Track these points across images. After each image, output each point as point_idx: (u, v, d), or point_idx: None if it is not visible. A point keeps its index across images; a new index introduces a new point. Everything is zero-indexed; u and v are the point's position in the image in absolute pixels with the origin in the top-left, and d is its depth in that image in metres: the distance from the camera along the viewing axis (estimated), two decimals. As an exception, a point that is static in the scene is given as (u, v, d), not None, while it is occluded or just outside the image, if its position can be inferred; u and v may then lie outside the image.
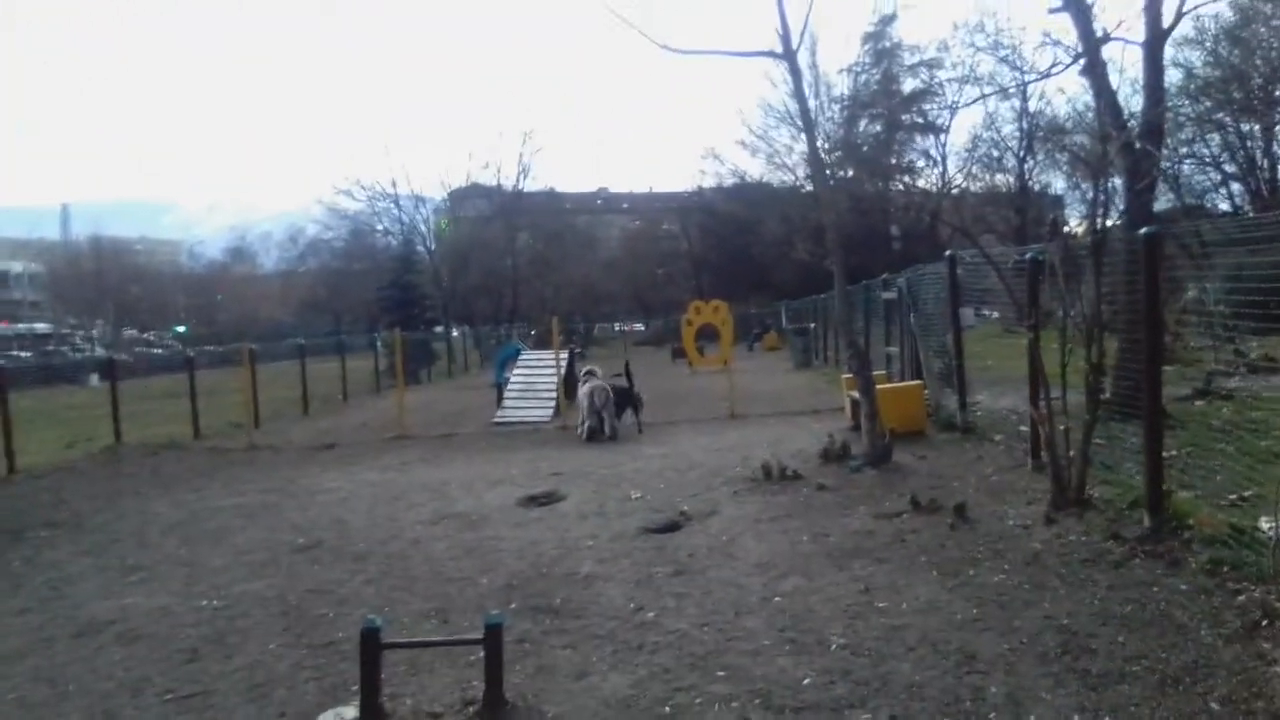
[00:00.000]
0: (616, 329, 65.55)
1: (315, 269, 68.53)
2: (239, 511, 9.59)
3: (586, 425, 13.00)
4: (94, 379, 50.46)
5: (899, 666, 4.26)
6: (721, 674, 4.36)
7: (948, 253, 9.97)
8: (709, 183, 60.55)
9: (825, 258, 9.57)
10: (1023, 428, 9.87)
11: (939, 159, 54.25)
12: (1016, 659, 4.22)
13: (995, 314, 23.91)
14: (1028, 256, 7.71)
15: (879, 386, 10.71)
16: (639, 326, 64.16)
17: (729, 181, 58.55)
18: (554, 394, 15.53)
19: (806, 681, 4.18)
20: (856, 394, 11.60)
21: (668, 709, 4.05)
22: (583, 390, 13.24)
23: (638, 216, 76.13)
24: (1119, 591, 4.96)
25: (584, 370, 13.73)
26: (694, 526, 7.24)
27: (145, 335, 73.94)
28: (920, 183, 55.68)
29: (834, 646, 4.55)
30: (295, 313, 69.69)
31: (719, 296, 27.67)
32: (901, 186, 55.91)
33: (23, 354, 57.79)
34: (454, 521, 8.30)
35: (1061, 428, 6.87)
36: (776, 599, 5.34)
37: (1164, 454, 6.05)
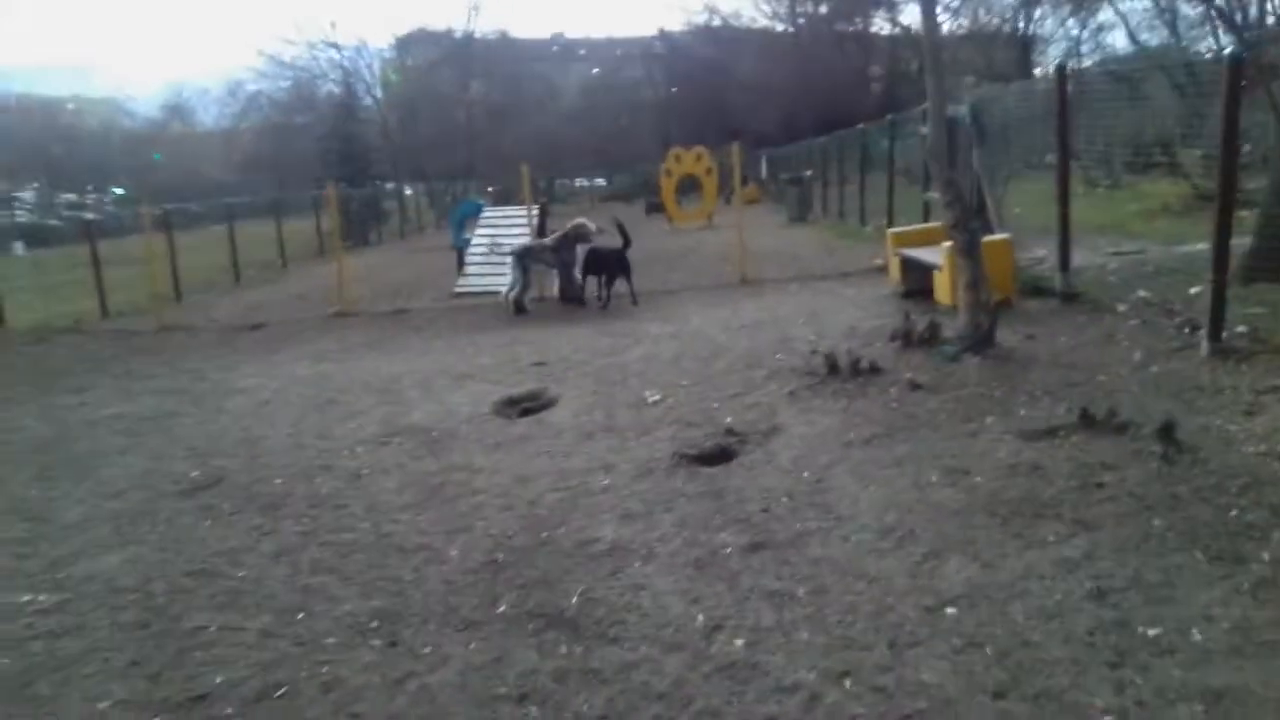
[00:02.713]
0: (578, 184, 62.05)
1: (257, 125, 63.75)
2: (124, 425, 7.28)
3: (511, 294, 11.12)
4: (18, 247, 46.78)
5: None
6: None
7: (1058, 62, 7.56)
8: (676, 24, 56.46)
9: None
10: (1142, 292, 7.74)
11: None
12: None
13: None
14: (1228, 52, 5.34)
15: (946, 244, 8.47)
16: (600, 181, 60.67)
17: (699, 20, 54.53)
18: (525, 257, 13.07)
19: None
20: (908, 252, 9.37)
21: None
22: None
23: (598, 63, 71.49)
24: None
25: (572, 224, 11.32)
26: (753, 452, 5.05)
27: (83, 198, 69.27)
28: (903, 19, 52.13)
29: (1125, 746, 2.43)
30: (238, 171, 65.30)
31: (690, 145, 24.90)
32: (886, 25, 52.33)
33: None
34: (409, 440, 6.06)
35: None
36: (949, 611, 3.19)
37: None
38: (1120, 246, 10.72)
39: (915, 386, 5.76)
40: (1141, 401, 5.06)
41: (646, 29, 64.82)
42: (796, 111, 46.41)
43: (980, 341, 6.28)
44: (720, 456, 5.01)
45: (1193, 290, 7.62)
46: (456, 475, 5.27)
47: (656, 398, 6.37)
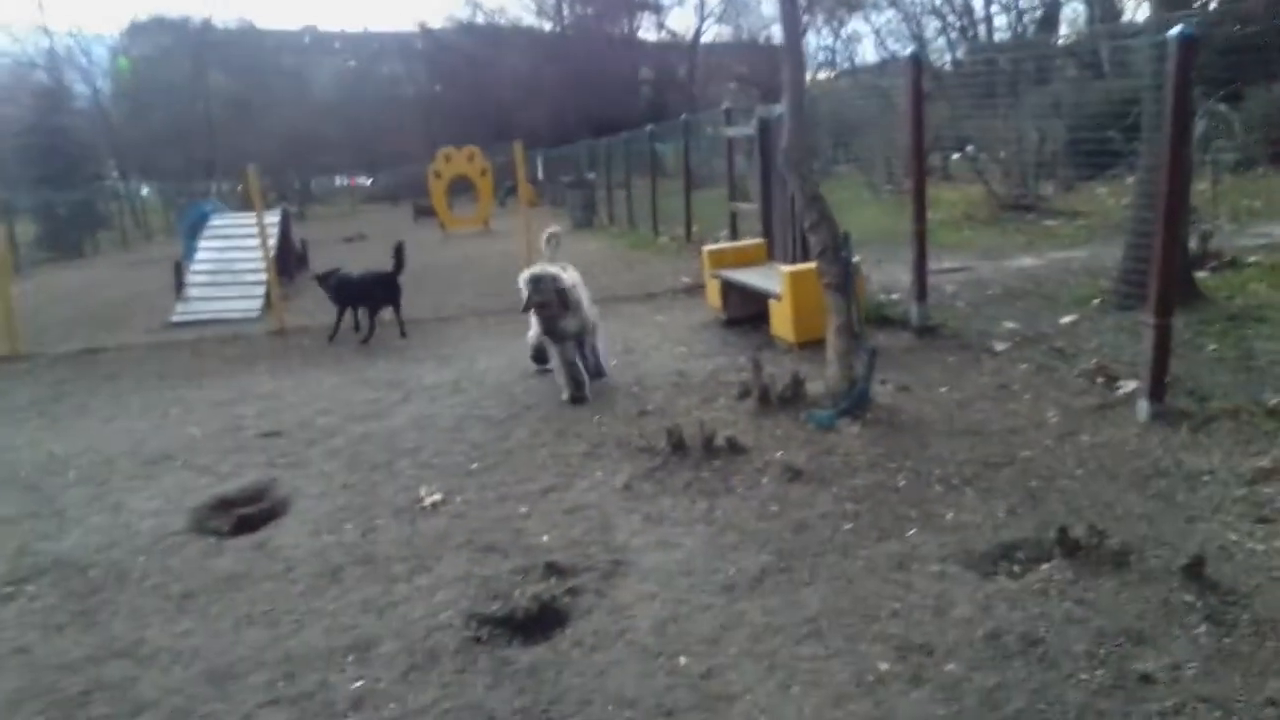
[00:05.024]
0: (338, 183, 58.07)
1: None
2: None
3: (569, 382, 6.10)
4: None
5: None
6: None
7: (910, 51, 6.35)
8: (437, 20, 54.04)
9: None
10: (1009, 324, 6.68)
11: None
12: None
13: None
14: (1176, 32, 4.14)
15: (784, 267, 7.13)
16: (363, 180, 57.11)
17: (461, 15, 52.32)
18: (262, 277, 10.67)
19: None
20: (733, 274, 8.00)
21: None
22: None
23: (354, 57, 67.24)
24: None
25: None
26: (592, 611, 3.31)
27: None
28: (669, 22, 52.45)
29: None
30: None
31: (457, 144, 22.87)
32: (652, 28, 52.28)
33: None
34: (51, 589, 3.90)
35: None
36: None
37: None
38: (940, 262, 9.86)
39: (794, 474, 4.24)
40: (1103, 497, 3.77)
41: (406, 24, 61.27)
42: (566, 112, 45.18)
43: (857, 400, 4.88)
44: (542, 622, 3.25)
45: (1064, 320, 6.65)
46: (111, 671, 3.21)
47: (437, 497, 4.50)
